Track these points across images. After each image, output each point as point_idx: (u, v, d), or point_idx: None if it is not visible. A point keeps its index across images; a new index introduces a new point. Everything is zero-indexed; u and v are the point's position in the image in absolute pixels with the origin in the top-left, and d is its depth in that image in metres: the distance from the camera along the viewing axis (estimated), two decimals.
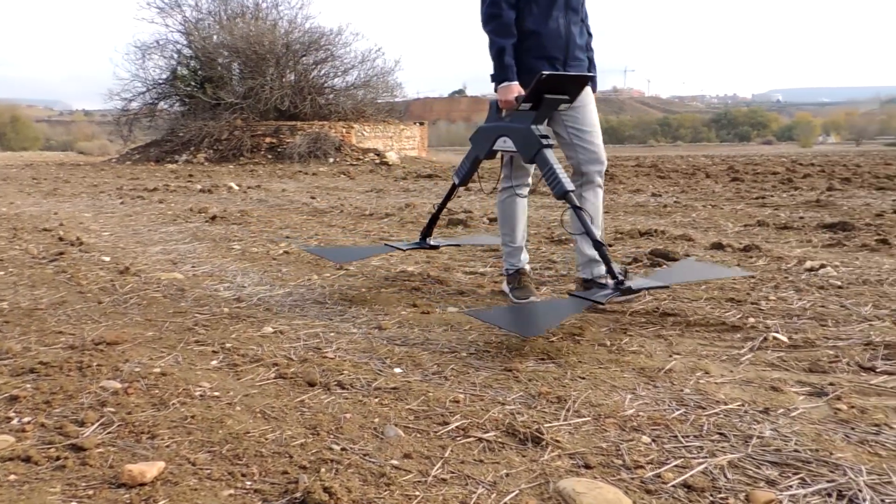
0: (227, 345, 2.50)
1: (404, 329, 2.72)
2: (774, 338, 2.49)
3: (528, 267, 3.25)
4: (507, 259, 3.24)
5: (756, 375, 2.15)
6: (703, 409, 1.89)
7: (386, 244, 3.79)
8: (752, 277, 3.51)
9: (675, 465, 1.57)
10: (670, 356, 2.34)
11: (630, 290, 2.60)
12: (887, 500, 1.40)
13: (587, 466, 1.57)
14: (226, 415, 1.86)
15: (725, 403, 1.93)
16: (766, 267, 3.83)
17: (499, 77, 2.89)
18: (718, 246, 4.52)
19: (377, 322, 2.82)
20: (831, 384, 2.05)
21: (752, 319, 2.74)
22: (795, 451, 1.63)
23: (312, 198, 8.90)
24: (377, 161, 18.18)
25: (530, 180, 3.23)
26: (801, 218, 5.99)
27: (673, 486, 1.48)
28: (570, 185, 2.72)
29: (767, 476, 1.52)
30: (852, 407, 1.88)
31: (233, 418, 1.83)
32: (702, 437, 1.72)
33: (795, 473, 1.53)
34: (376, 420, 1.82)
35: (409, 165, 17.80)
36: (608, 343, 2.50)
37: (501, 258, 3.30)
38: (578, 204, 2.74)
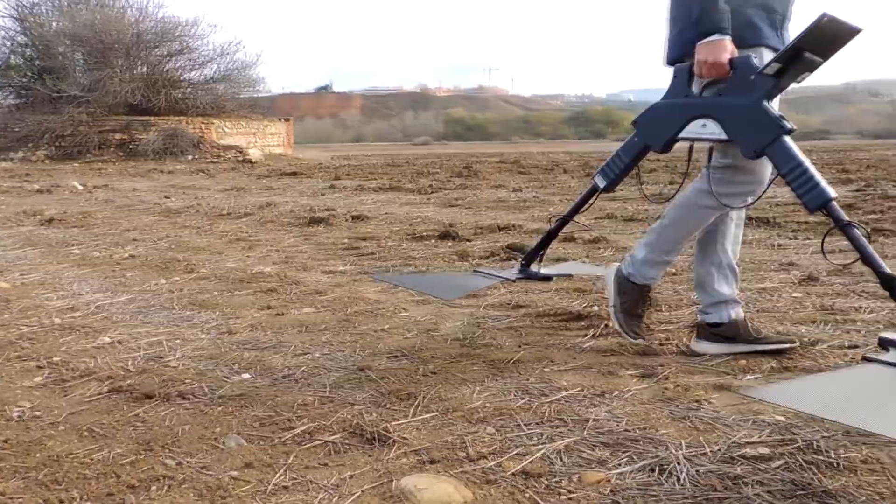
0: (55, 359, 2.31)
1: (256, 332, 2.63)
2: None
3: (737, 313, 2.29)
4: (653, 272, 2.33)
5: (596, 361, 2.26)
6: (546, 396, 1.97)
7: (479, 272, 2.71)
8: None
9: (516, 454, 1.62)
10: (519, 347, 2.42)
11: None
12: (700, 470, 1.52)
13: (432, 461, 1.59)
14: (46, 436, 1.71)
15: (567, 389, 2.02)
16: (612, 258, 4.06)
17: (707, 26, 1.97)
18: (570, 239, 4.74)
19: (227, 326, 2.70)
20: (661, 365, 2.20)
21: (595, 308, 2.89)
22: (626, 430, 1.73)
23: (166, 197, 8.43)
24: (239, 159, 17.54)
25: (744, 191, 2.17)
26: (646, 210, 6.42)
27: (512, 473, 1.53)
28: (832, 192, 1.91)
29: (600, 457, 1.60)
30: (677, 386, 2.02)
31: (55, 439, 1.69)
32: (542, 423, 1.79)
33: (624, 452, 1.62)
34: (218, 430, 1.75)
35: (274, 163, 17.32)
36: (461, 337, 2.55)
37: (702, 299, 2.33)
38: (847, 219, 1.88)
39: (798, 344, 2.28)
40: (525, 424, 1.78)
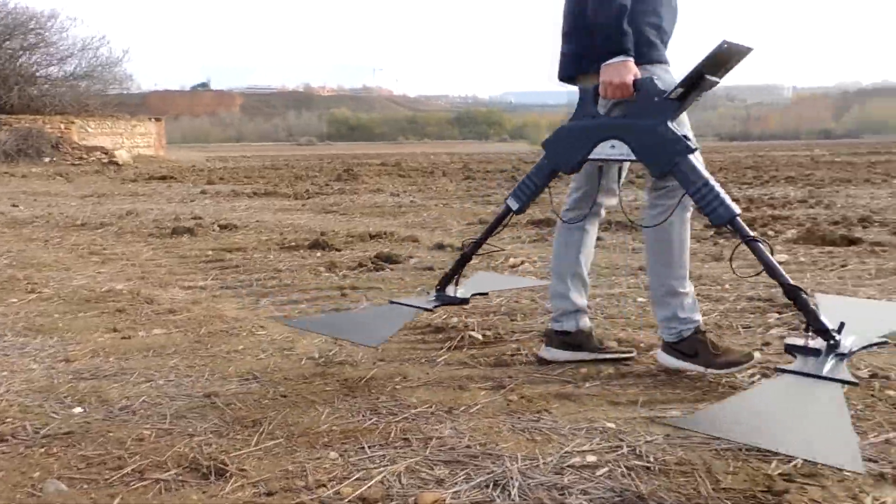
0: None
1: (97, 359, 2.48)
2: (470, 336, 2.70)
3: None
4: (681, 312, 2.23)
5: (449, 375, 2.31)
6: (395, 415, 1.99)
7: (395, 303, 2.55)
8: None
9: (356, 479, 1.62)
10: (374, 363, 2.43)
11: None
12: (532, 483, 1.59)
13: (269, 494, 1.56)
14: None
15: (416, 407, 2.04)
16: (478, 265, 4.15)
17: (612, 48, 2.02)
18: (440, 247, 4.81)
19: (65, 353, 2.54)
20: (509, 377, 2.27)
21: (455, 319, 2.94)
22: (468, 447, 1.78)
23: (14, 205, 7.79)
24: (105, 161, 16.50)
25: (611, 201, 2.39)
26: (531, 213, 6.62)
27: (349, 500, 1.53)
28: (736, 208, 1.98)
29: (438, 476, 1.63)
30: (522, 397, 2.10)
31: None
32: (387, 445, 1.80)
33: (463, 469, 1.66)
34: (36, 475, 1.63)
35: (143, 165, 16.43)
36: (317, 355, 2.52)
37: (660, 315, 2.29)
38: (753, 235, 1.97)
39: (635, 354, 2.42)
40: (370, 447, 1.78)
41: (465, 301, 2.54)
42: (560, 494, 1.54)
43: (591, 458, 1.70)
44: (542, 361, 2.41)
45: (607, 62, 2.03)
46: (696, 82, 1.97)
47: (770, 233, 5.21)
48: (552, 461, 1.69)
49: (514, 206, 2.34)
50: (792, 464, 1.63)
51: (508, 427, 1.90)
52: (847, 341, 1.86)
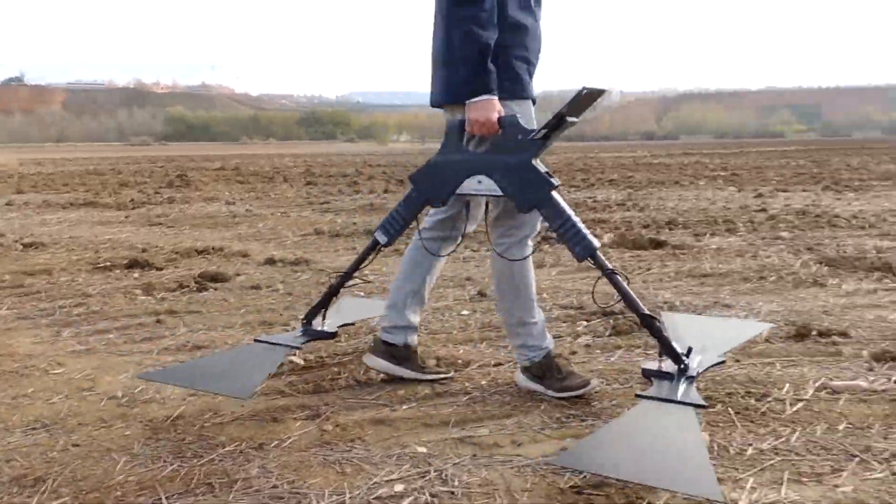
0: None
1: None
2: (291, 361, 2.64)
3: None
4: (531, 340, 2.31)
5: (264, 406, 2.24)
6: (200, 458, 1.90)
7: (260, 341, 2.47)
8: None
9: None
10: (184, 399, 2.31)
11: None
12: None
13: None
14: None
15: (224, 446, 1.96)
16: (307, 281, 4.08)
17: (476, 87, 2.07)
18: (271, 262, 4.67)
19: None
20: (326, 404, 2.25)
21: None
22: (274, 487, 1.73)
23: None
24: None
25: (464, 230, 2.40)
26: (354, 224, 6.59)
27: None
28: (596, 242, 2.12)
29: None
30: (337, 426, 2.08)
31: None
32: (188, 493, 1.71)
33: None
34: None
35: None
36: (120, 395, 2.35)
37: (512, 343, 2.38)
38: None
39: (453, 374, 2.48)
40: (167, 498, 1.69)
41: (333, 335, 2.52)
42: None
43: (398, 488, 1.72)
44: (365, 367, 2.46)
45: (472, 100, 2.08)
46: (558, 124, 2.06)
47: None
48: (359, 494, 1.69)
49: (383, 239, 2.34)
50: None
51: (320, 460, 1.87)
52: (694, 363, 2.05)
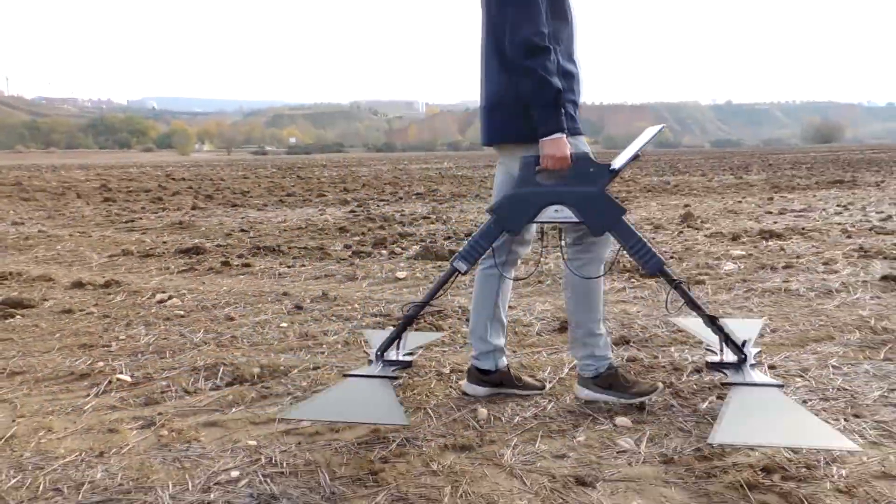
0: None
1: None
2: (118, 379, 2.81)
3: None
4: (598, 351, 2.55)
5: (98, 421, 2.42)
6: (42, 468, 2.07)
7: (350, 375, 2.45)
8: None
9: None
10: (14, 421, 2.41)
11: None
12: (182, 502, 1.87)
13: None
14: None
15: (65, 457, 2.14)
16: (123, 303, 4.14)
17: (550, 127, 2.31)
18: (79, 285, 4.62)
19: None
20: (160, 414, 2.48)
21: (100, 364, 3.00)
22: (120, 485, 1.97)
23: None
24: None
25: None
26: (165, 243, 6.55)
27: None
28: (663, 259, 2.40)
29: None
30: (172, 430, 2.33)
31: None
32: (37, 498, 1.90)
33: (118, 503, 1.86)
34: None
35: None
36: None
37: (579, 354, 2.57)
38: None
39: (546, 387, 2.68)
40: (18, 503, 1.86)
41: (411, 364, 2.62)
42: None
43: (234, 474, 2.04)
44: (465, 395, 2.65)
45: (546, 138, 2.32)
46: (633, 160, 2.43)
47: (398, 250, 6.09)
48: (200, 483, 1.98)
49: (463, 268, 2.47)
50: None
51: (160, 460, 2.13)
52: (751, 353, 2.45)
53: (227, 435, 2.31)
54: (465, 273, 2.48)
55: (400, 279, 4.84)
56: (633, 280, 4.75)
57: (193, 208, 9.66)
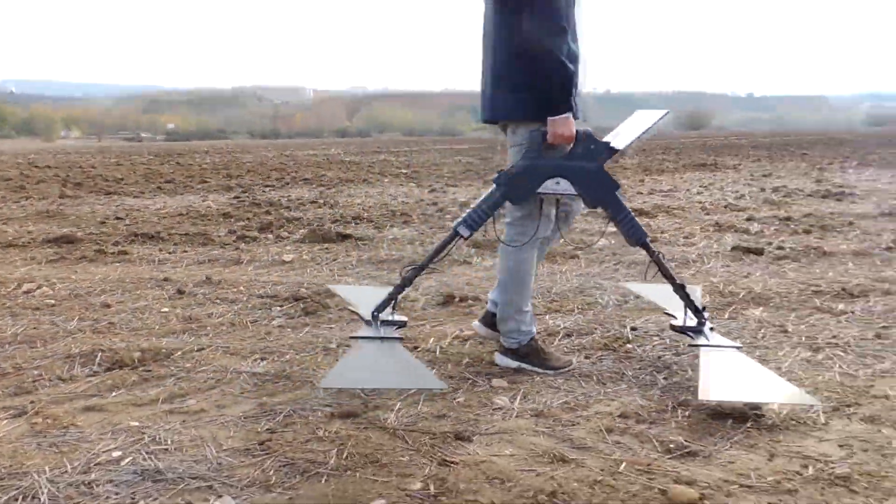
0: None
1: None
2: None
3: None
4: (520, 327, 2.67)
5: None
6: None
7: (356, 337, 2.54)
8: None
9: None
10: None
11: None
12: (62, 485, 1.84)
13: None
14: None
15: None
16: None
17: (560, 107, 2.43)
18: None
19: None
20: (32, 402, 2.40)
21: None
22: None
23: None
24: None
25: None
26: (30, 232, 6.15)
27: None
28: (646, 232, 2.64)
29: None
30: (47, 418, 2.27)
31: None
32: None
33: None
34: None
35: None
36: None
37: (505, 328, 2.69)
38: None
39: (575, 364, 2.71)
40: None
41: (405, 324, 2.70)
42: (88, 488, 1.84)
43: (116, 454, 2.03)
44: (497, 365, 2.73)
45: (556, 117, 2.44)
46: (636, 142, 2.60)
47: (284, 234, 6.04)
48: (79, 465, 1.96)
49: (466, 233, 2.59)
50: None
51: (34, 447, 2.08)
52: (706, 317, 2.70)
53: (108, 418, 2.28)
54: (468, 238, 2.61)
55: (287, 262, 4.83)
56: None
57: (62, 196, 9.07)
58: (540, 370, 2.64)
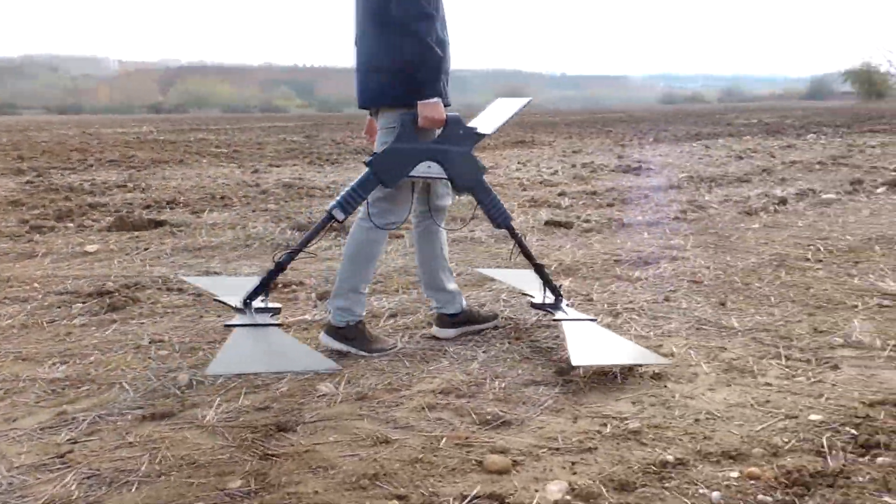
0: None
1: None
2: None
3: None
4: (352, 308, 2.69)
5: None
6: None
7: (229, 325, 2.44)
8: None
9: None
10: None
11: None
12: None
13: None
14: None
15: None
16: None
17: (429, 91, 2.49)
18: None
19: None
20: None
21: None
22: None
23: None
24: None
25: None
26: None
27: None
28: (510, 216, 2.76)
29: None
30: None
31: None
32: None
33: None
34: None
35: None
36: None
37: (335, 305, 2.69)
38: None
39: (399, 346, 2.77)
40: None
41: (279, 310, 2.69)
42: None
43: None
44: (436, 339, 2.84)
45: (426, 101, 2.47)
46: (500, 127, 2.68)
47: (87, 222, 5.53)
48: None
49: (341, 216, 2.55)
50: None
51: None
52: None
53: None
54: (342, 221, 2.58)
55: (90, 253, 4.43)
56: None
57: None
58: (365, 354, 2.66)
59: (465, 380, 2.42)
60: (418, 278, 2.99)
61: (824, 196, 6.46)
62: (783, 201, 6.18)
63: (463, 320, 2.88)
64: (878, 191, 6.74)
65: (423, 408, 2.20)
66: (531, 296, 3.00)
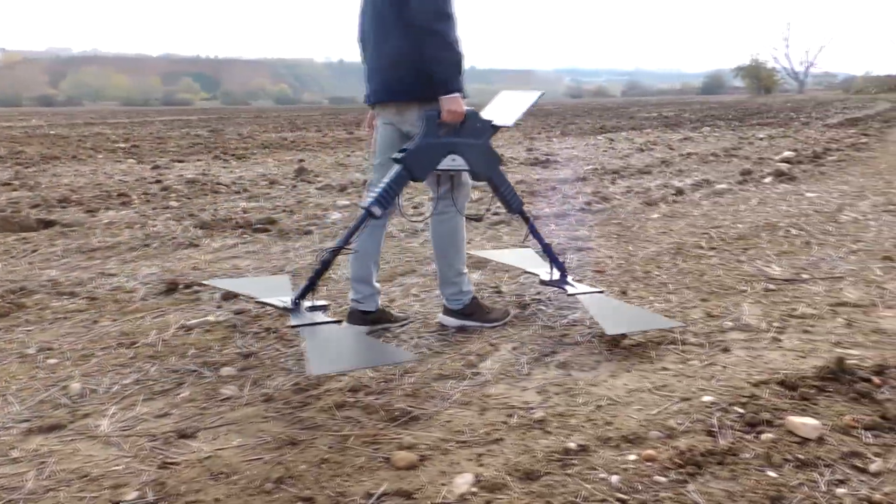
0: None
1: None
2: None
3: None
4: (462, 288, 2.93)
5: None
6: None
7: (296, 326, 2.45)
8: None
9: None
10: None
11: None
12: None
13: None
14: None
15: None
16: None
17: (451, 86, 2.58)
18: None
19: None
20: None
21: None
22: None
23: None
24: None
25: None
26: None
27: None
28: (522, 201, 2.93)
29: None
30: None
31: None
32: None
33: None
34: None
35: None
36: None
37: (448, 291, 2.93)
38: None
39: (512, 313, 3.05)
40: None
41: (328, 307, 2.72)
42: None
43: None
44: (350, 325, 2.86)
45: (448, 96, 2.57)
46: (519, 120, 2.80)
47: None
48: None
49: (378, 212, 2.61)
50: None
51: None
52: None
53: None
54: (380, 217, 2.66)
55: None
56: (245, 235, 4.82)
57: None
58: (485, 325, 2.92)
59: (374, 377, 2.41)
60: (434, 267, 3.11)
61: (717, 186, 6.81)
62: (680, 192, 6.48)
63: (376, 319, 2.92)
64: (766, 181, 7.17)
65: (332, 407, 2.17)
66: (536, 273, 3.22)
